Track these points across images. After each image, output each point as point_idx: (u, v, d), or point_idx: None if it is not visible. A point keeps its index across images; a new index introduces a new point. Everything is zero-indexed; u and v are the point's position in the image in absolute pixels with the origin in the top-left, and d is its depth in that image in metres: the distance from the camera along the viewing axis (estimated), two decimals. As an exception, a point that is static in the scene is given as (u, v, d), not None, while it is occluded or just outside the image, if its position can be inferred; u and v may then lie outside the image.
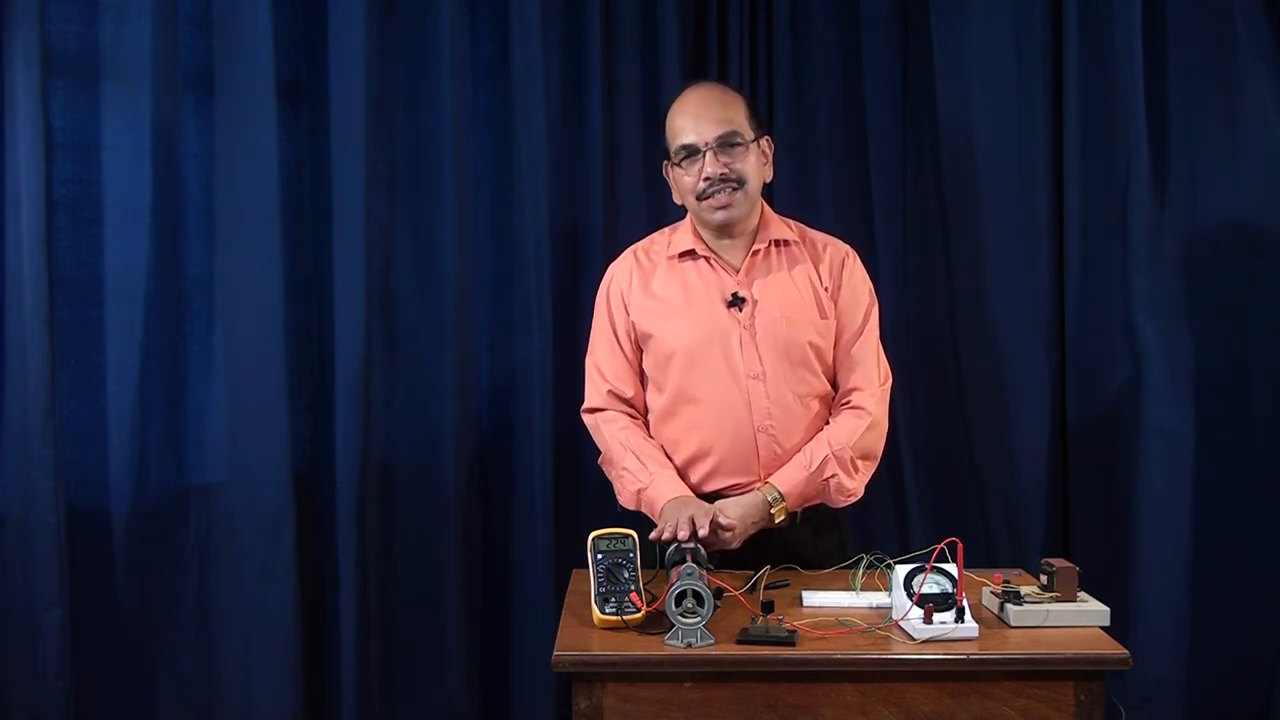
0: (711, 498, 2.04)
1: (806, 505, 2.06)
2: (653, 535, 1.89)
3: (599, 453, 2.17)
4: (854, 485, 2.06)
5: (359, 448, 2.40)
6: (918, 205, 2.76)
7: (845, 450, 2.03)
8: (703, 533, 1.87)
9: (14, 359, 2.15)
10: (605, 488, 2.69)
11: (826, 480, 2.03)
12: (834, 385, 2.13)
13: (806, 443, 2.06)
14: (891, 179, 2.76)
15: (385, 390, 2.49)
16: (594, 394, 2.15)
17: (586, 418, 2.17)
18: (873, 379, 2.10)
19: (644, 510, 2.04)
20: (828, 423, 2.10)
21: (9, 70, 2.12)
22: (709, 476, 2.07)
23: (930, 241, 2.74)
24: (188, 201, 2.33)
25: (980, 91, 2.68)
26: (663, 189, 2.69)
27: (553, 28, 2.60)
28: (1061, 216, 2.68)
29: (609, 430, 2.12)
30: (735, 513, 1.96)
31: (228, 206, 2.33)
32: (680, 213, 2.19)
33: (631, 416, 2.14)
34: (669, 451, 2.09)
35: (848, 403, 2.10)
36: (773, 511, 2.00)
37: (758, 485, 2.04)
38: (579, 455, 2.66)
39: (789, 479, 2.02)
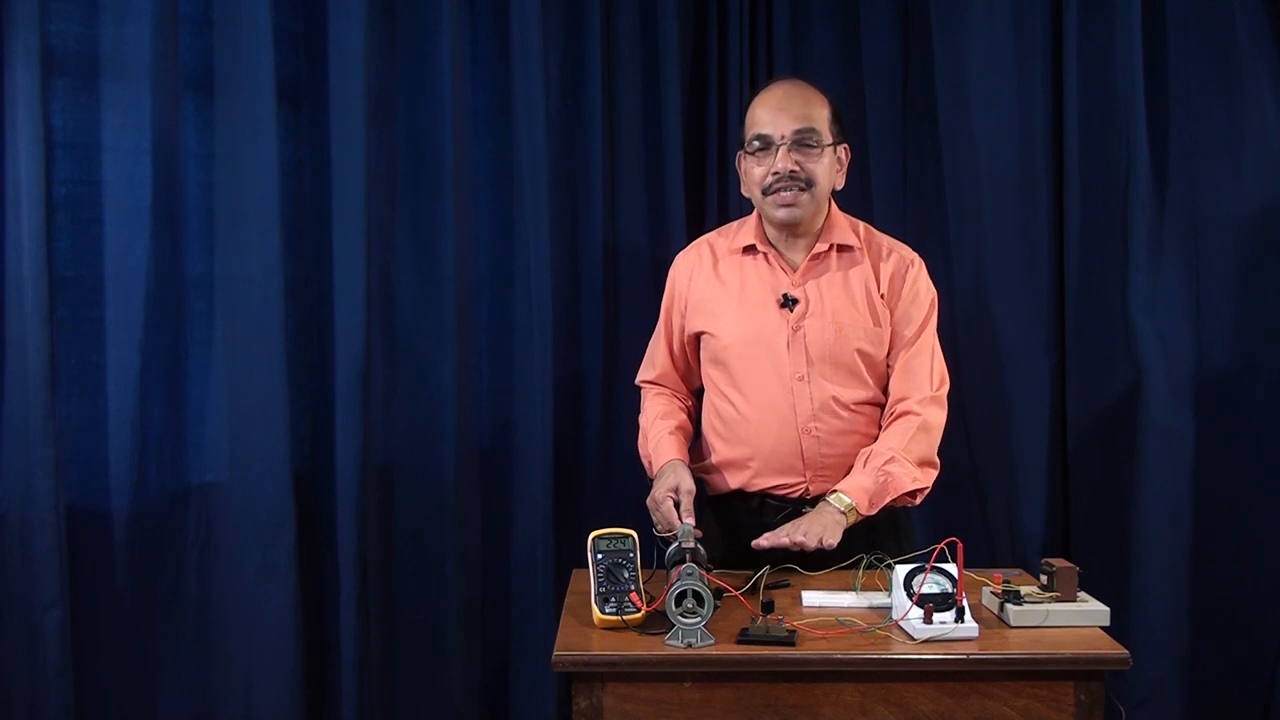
0: (758, 497, 2.08)
1: (877, 509, 2.01)
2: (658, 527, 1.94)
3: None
4: (911, 482, 2.01)
5: (359, 448, 2.39)
6: (918, 205, 2.76)
7: (899, 453, 2.01)
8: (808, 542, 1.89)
9: (14, 359, 2.14)
10: (604, 488, 2.70)
11: (887, 481, 2.00)
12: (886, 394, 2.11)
13: (854, 449, 2.05)
14: (891, 179, 2.76)
15: (385, 390, 2.49)
16: (641, 372, 2.29)
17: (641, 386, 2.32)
18: (924, 387, 2.07)
19: None
20: (880, 430, 2.08)
21: (9, 70, 2.12)
22: (755, 476, 2.08)
23: (930, 241, 2.74)
24: (188, 201, 2.32)
25: (980, 92, 2.67)
26: (663, 188, 2.70)
27: (553, 27, 2.60)
28: (1061, 216, 2.68)
29: (643, 402, 2.25)
30: (814, 531, 1.91)
31: (228, 206, 2.33)
32: (730, 212, 2.16)
33: (667, 391, 2.23)
34: (714, 447, 2.13)
35: (895, 413, 2.07)
36: (846, 516, 1.96)
37: (803, 486, 2.06)
38: (579, 455, 2.66)
39: (855, 485, 1.99)
